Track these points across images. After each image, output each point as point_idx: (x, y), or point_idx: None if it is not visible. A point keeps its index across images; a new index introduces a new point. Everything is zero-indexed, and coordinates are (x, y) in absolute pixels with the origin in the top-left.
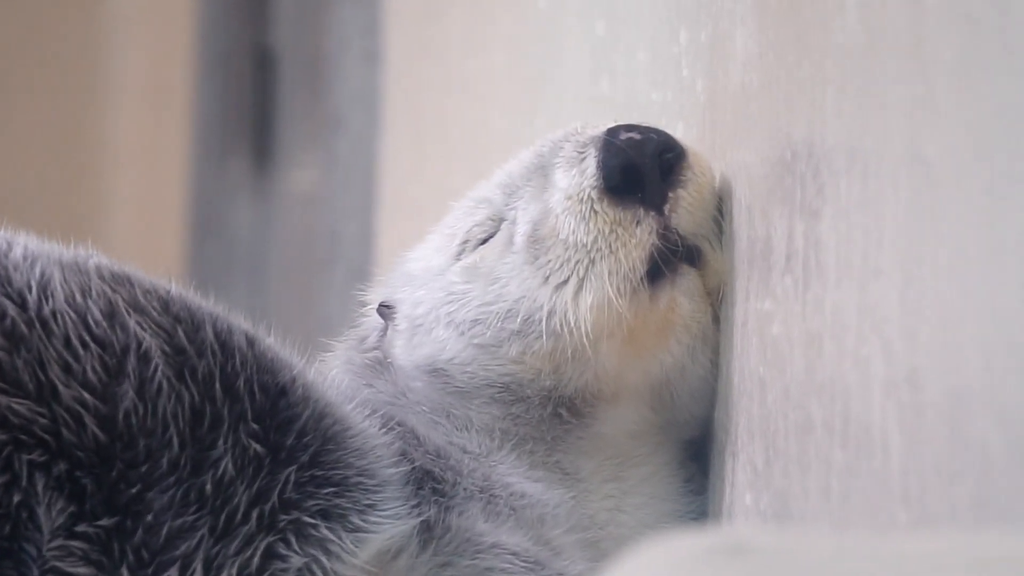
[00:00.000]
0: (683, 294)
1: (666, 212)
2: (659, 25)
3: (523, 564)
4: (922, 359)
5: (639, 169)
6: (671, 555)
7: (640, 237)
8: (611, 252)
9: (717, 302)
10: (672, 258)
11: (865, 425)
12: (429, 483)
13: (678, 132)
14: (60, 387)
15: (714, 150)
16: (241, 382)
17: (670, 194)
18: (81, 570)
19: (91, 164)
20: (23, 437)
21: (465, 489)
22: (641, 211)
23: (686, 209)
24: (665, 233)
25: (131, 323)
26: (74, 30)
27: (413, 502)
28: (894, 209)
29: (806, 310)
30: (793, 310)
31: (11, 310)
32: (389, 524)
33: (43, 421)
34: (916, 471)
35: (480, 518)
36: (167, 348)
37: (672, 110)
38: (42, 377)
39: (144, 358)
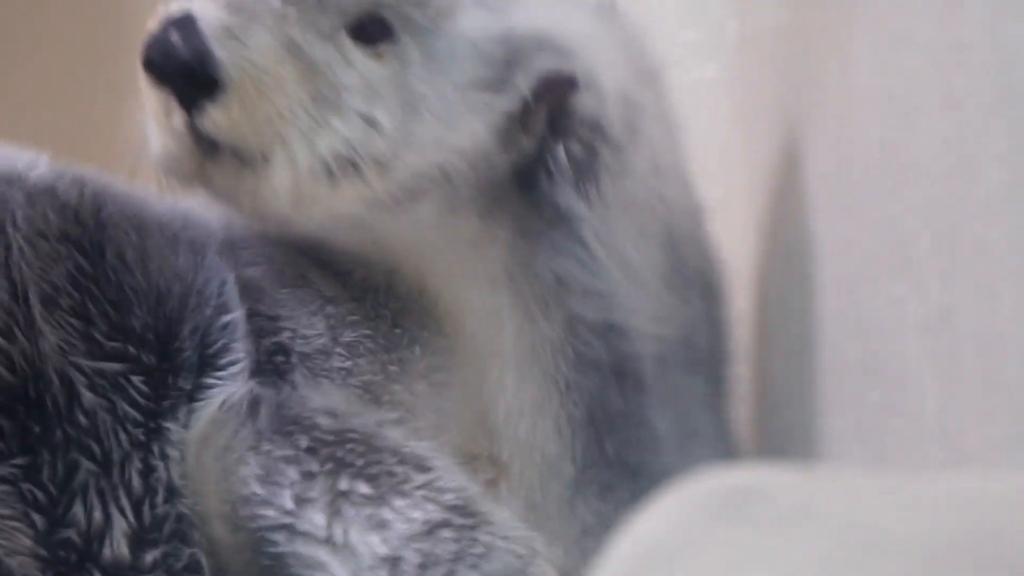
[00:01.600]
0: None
1: (195, 116)
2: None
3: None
4: (956, 299)
5: (163, 71)
6: (685, 502)
7: (175, 126)
8: (160, 127)
9: None
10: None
11: (900, 366)
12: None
13: (710, 72)
14: None
15: (745, 91)
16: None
17: (203, 102)
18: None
19: None
20: None
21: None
22: (172, 103)
23: (217, 123)
24: (198, 134)
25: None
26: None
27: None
28: (929, 148)
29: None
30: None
31: None
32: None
33: None
34: (951, 411)
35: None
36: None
37: (704, 50)
38: None
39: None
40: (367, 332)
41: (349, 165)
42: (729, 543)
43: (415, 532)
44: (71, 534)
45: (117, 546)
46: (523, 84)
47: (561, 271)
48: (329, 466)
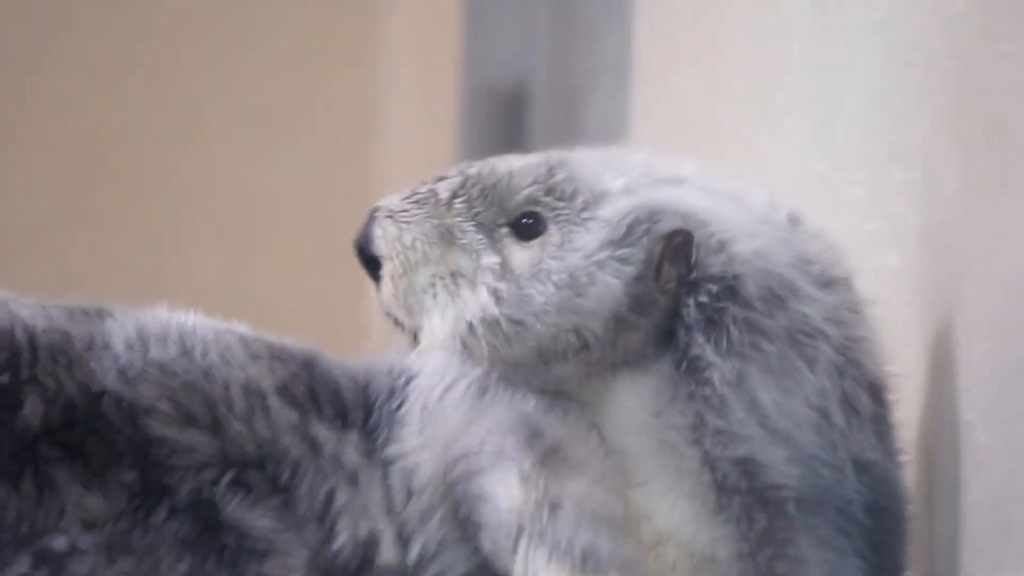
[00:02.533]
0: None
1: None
2: (875, 163)
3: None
4: None
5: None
6: None
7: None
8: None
9: None
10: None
11: None
12: None
13: (893, 260)
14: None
15: (928, 278)
16: None
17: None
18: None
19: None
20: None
21: None
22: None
23: (383, 296)
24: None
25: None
26: (348, 70)
27: None
28: None
29: (1011, 420)
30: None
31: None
32: None
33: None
34: None
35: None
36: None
37: (887, 239)
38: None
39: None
40: None
41: (481, 336)
42: None
43: None
44: (344, 548)
45: (388, 551)
46: (648, 245)
47: (694, 413)
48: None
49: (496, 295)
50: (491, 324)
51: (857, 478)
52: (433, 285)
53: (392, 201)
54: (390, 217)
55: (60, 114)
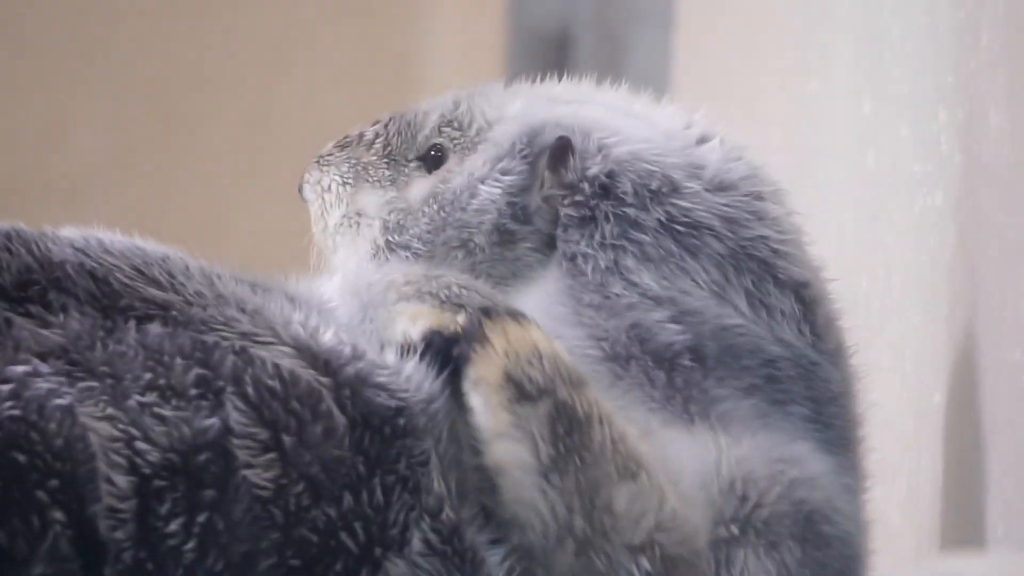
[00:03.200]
0: None
1: None
2: (920, 105)
3: None
4: None
5: None
6: None
7: None
8: None
9: None
10: None
11: None
12: None
13: (937, 200)
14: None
15: (971, 216)
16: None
17: None
18: None
19: None
20: None
21: None
22: None
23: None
24: None
25: None
26: (393, 15)
27: None
28: None
29: None
30: None
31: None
32: None
33: None
34: None
35: None
36: None
37: (931, 180)
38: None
39: None
40: None
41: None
42: None
43: None
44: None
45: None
46: (531, 157)
47: (574, 300)
48: None
49: (386, 225)
50: (380, 255)
51: (780, 349)
52: (341, 225)
53: (327, 146)
54: (317, 162)
55: (122, 62)
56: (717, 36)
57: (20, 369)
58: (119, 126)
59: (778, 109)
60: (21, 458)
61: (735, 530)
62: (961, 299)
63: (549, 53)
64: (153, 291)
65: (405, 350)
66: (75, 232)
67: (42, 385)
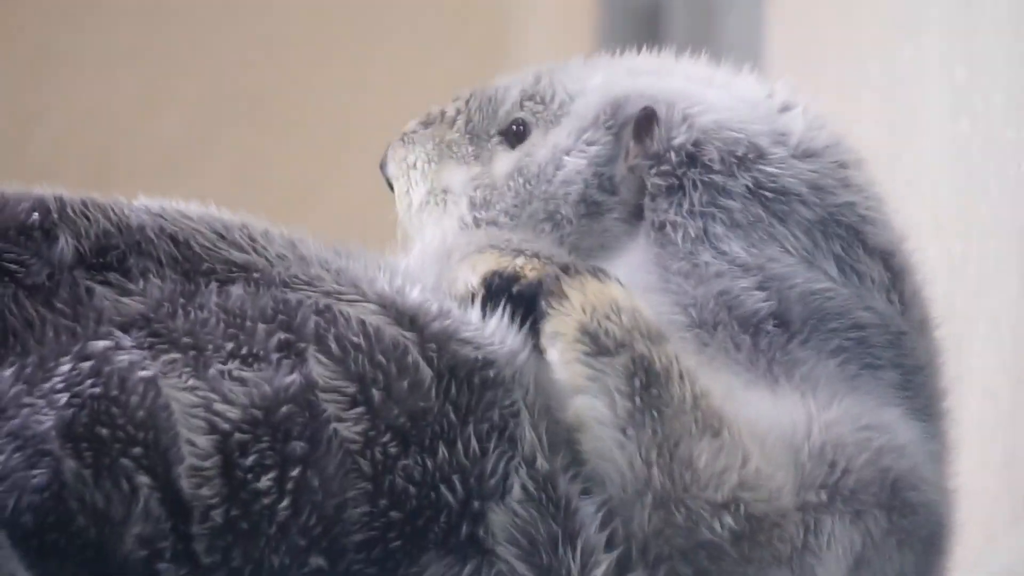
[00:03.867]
0: None
1: None
2: (1015, 71)
3: None
4: None
5: None
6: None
7: None
8: None
9: None
10: None
11: None
12: None
13: None
14: None
15: None
16: None
17: None
18: None
19: None
20: None
21: None
22: None
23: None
24: None
25: None
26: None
27: None
28: None
29: None
30: None
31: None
32: None
33: None
34: None
35: None
36: None
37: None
38: None
39: None
40: None
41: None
42: None
43: None
44: None
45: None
46: (616, 128)
47: (661, 268)
48: None
49: (472, 202)
50: (467, 230)
51: (869, 315)
52: (427, 202)
53: (410, 124)
54: (401, 140)
55: (211, 38)
56: (810, 4)
57: (101, 344)
58: (208, 102)
59: (873, 77)
60: (104, 432)
61: (824, 496)
62: None
63: (641, 25)
64: (235, 253)
65: (470, 298)
66: (150, 200)
67: (124, 358)
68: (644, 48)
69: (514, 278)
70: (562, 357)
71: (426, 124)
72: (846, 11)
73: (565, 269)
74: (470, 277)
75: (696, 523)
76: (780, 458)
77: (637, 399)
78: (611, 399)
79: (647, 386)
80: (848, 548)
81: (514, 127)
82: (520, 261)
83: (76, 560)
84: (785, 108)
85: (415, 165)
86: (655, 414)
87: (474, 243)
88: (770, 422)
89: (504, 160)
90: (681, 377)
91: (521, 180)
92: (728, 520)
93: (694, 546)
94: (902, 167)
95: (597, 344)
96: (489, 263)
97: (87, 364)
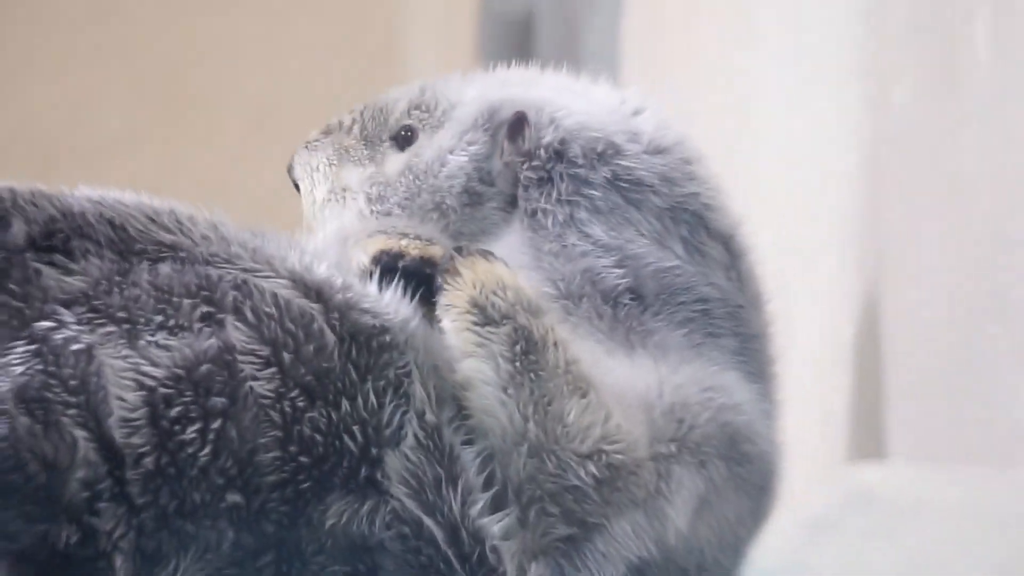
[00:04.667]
0: None
1: None
2: (840, 75)
3: None
4: None
5: None
6: (832, 493)
7: None
8: None
9: None
10: None
11: None
12: None
13: (851, 160)
14: None
15: (878, 177)
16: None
17: None
18: None
19: None
20: None
21: None
22: None
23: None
24: None
25: None
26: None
27: None
28: None
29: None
30: None
31: None
32: None
33: None
34: None
35: None
36: None
37: (846, 143)
38: None
39: None
40: None
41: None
42: (864, 528)
43: None
44: None
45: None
46: (492, 130)
47: (534, 249)
48: None
49: (368, 197)
50: (366, 221)
51: (711, 291)
52: (328, 200)
53: (313, 133)
54: (306, 146)
55: (139, 45)
56: (661, 16)
57: (44, 325)
58: (139, 101)
59: (714, 79)
60: (48, 394)
61: (673, 448)
62: (869, 246)
63: (515, 36)
64: (164, 235)
65: (363, 275)
66: (90, 190)
67: (62, 334)
68: (516, 58)
69: (399, 256)
70: (454, 326)
71: (326, 133)
72: (690, 24)
73: (459, 250)
74: (362, 257)
75: (564, 470)
76: (636, 415)
77: (517, 363)
78: (495, 363)
79: (526, 352)
80: (693, 492)
81: (403, 132)
82: (404, 242)
83: (31, 499)
84: (637, 112)
85: (318, 168)
86: (532, 376)
87: (366, 230)
88: (627, 384)
89: (395, 160)
90: (556, 345)
91: (411, 176)
92: (592, 468)
93: (562, 490)
94: (739, 160)
95: (485, 315)
96: (378, 244)
97: (32, 347)
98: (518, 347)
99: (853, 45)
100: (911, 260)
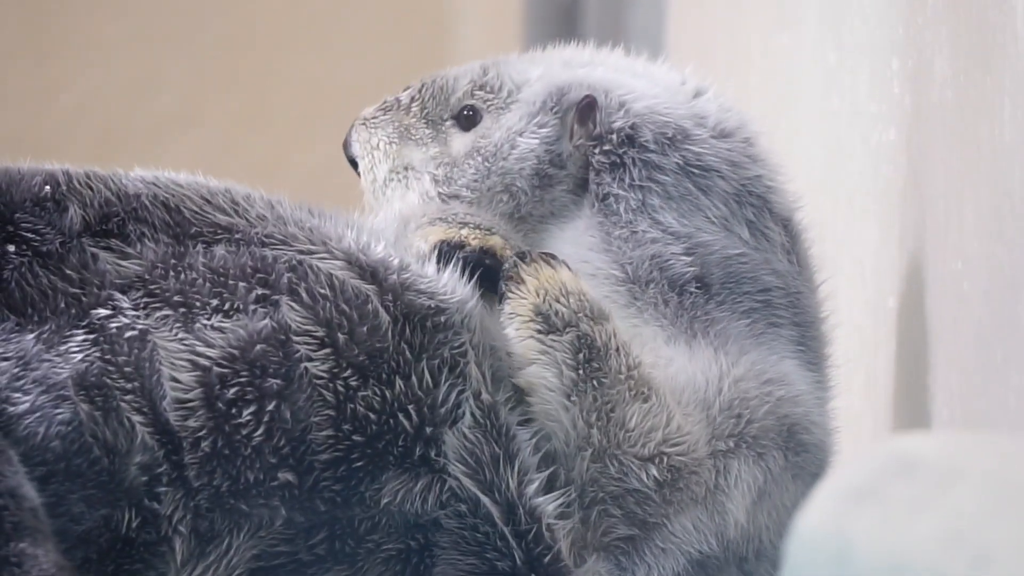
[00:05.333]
0: None
1: None
2: (876, 54)
3: None
4: None
5: None
6: (872, 459)
7: None
8: None
9: None
10: None
11: None
12: None
13: (890, 136)
14: None
15: (919, 150)
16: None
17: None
18: None
19: None
20: None
21: None
22: None
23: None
24: None
25: None
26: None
27: None
28: None
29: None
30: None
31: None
32: None
33: None
34: None
35: None
36: None
37: (885, 119)
38: None
39: None
40: None
41: (436, 198)
42: (906, 496)
43: None
44: None
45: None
46: (560, 112)
47: (604, 232)
48: None
49: (435, 179)
50: (429, 204)
51: (774, 279)
52: (391, 179)
53: (368, 110)
54: (364, 123)
55: (198, 27)
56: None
57: (101, 313)
58: (194, 83)
59: (757, 59)
60: (108, 380)
61: (731, 444)
62: (911, 219)
63: (561, 16)
64: (219, 216)
65: (422, 261)
66: (144, 171)
67: (118, 321)
68: (562, 38)
69: (459, 246)
70: (518, 334)
71: (384, 110)
72: (734, 4)
73: (522, 256)
74: (422, 245)
75: (626, 474)
76: (696, 415)
77: (581, 371)
78: (559, 370)
79: (589, 360)
80: (752, 484)
81: (465, 112)
82: (465, 232)
83: (94, 482)
84: (698, 93)
85: (378, 146)
86: (595, 383)
87: (427, 215)
88: (687, 378)
89: (460, 141)
90: (618, 351)
91: (479, 158)
92: (653, 471)
93: (624, 493)
94: (781, 137)
95: (548, 323)
96: (438, 234)
97: (90, 336)
98: (581, 355)
99: (893, 21)
100: (953, 231)
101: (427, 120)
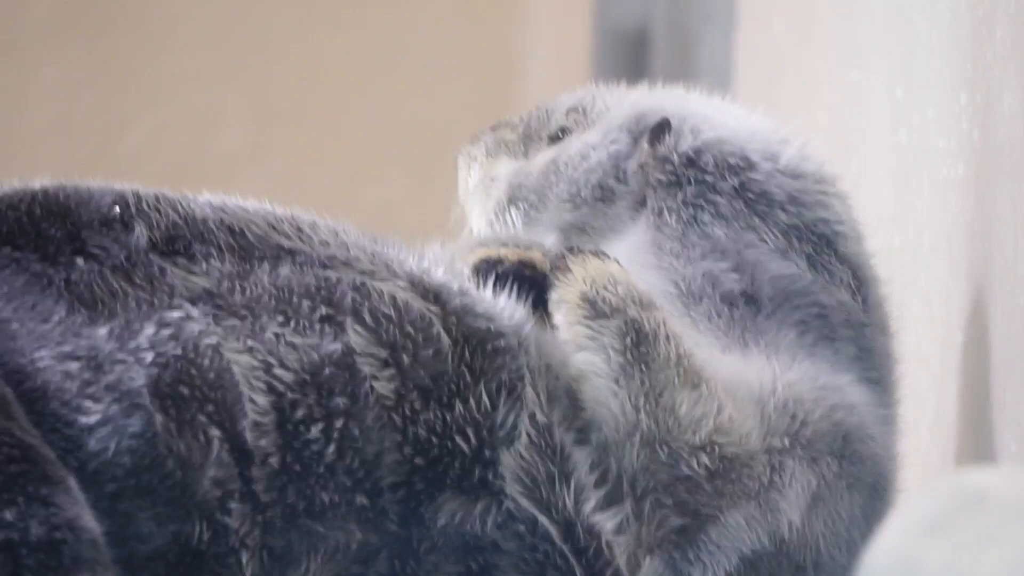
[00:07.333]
0: None
1: None
2: (944, 90)
3: None
4: None
5: None
6: (940, 494)
7: None
8: None
9: None
10: None
11: None
12: None
13: (959, 171)
14: None
15: (988, 185)
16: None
17: None
18: None
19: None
20: None
21: None
22: None
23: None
24: None
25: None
26: (494, 17)
27: None
28: None
29: None
30: None
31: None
32: None
33: None
34: None
35: None
36: None
37: (954, 154)
38: None
39: None
40: None
41: (499, 219)
42: (974, 530)
43: None
44: None
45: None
46: (636, 134)
47: (657, 247)
48: None
49: (510, 186)
50: (502, 210)
51: (833, 302)
52: (478, 188)
53: (484, 128)
54: (473, 139)
55: (266, 64)
56: (773, 34)
57: (176, 314)
58: (261, 116)
59: (825, 96)
60: (184, 390)
61: (786, 442)
62: (978, 254)
63: (630, 52)
64: (283, 240)
65: (478, 285)
66: (213, 196)
67: (195, 327)
68: (630, 74)
69: (499, 261)
70: (566, 320)
71: (494, 128)
72: (803, 40)
73: (571, 250)
74: (465, 269)
75: (676, 461)
76: (749, 409)
77: (628, 355)
78: (607, 355)
79: (637, 344)
80: (806, 487)
81: (559, 133)
82: (503, 250)
83: (165, 498)
84: (783, 141)
85: (475, 158)
86: (643, 368)
87: (471, 243)
88: (741, 379)
89: (544, 155)
90: (667, 338)
91: (554, 167)
92: (704, 459)
93: (674, 480)
94: (850, 172)
95: (595, 309)
96: (478, 254)
97: (167, 330)
98: (628, 339)
99: (961, 57)
100: (1021, 266)
101: (526, 138)
